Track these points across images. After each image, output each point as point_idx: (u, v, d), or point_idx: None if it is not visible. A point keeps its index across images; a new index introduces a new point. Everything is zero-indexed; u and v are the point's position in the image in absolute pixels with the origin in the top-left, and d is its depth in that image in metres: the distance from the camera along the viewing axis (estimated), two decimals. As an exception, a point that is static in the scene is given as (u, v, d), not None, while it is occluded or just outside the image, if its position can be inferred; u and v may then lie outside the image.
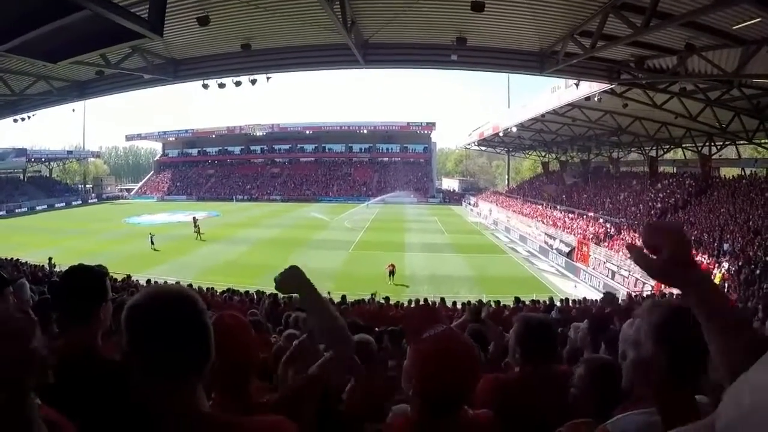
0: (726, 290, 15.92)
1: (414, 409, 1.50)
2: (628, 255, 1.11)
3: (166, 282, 15.82)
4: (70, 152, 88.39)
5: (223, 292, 14.98)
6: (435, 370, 1.36)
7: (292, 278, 1.73)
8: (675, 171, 34.47)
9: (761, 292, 14.42)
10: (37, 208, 62.94)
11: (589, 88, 18.85)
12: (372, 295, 15.13)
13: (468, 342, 1.52)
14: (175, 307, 1.17)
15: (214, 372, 1.26)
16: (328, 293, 15.66)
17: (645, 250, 1.02)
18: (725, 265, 17.95)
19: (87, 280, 1.90)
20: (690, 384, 1.25)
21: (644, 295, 16.94)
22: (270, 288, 15.84)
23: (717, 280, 16.94)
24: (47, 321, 2.64)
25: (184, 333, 1.15)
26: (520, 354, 2.12)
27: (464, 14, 11.26)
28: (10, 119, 20.90)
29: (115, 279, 16.44)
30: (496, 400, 1.91)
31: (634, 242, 23.63)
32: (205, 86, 16.12)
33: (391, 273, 21.97)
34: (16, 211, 58.90)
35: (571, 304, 14.16)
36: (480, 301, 13.37)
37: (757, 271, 16.18)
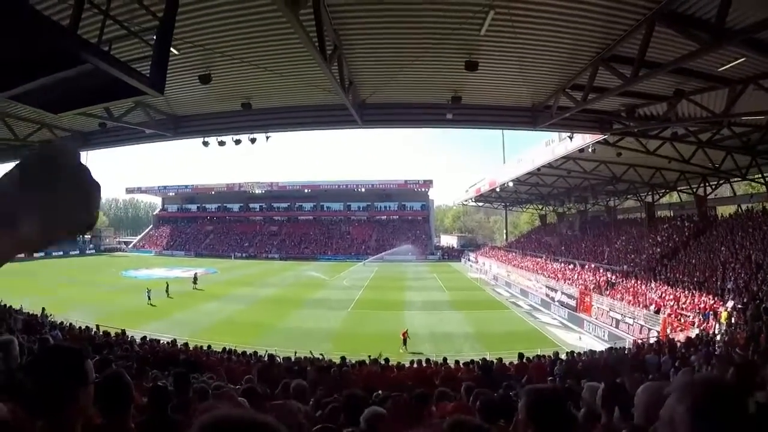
0: (734, 327, 15.58)
1: None
2: None
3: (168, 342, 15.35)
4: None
5: (218, 352, 14.55)
6: None
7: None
8: (672, 214, 34.68)
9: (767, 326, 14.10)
10: (35, 255, 62.72)
11: (583, 139, 19.16)
12: (376, 356, 14.76)
13: None
14: None
15: None
16: (321, 355, 15.33)
17: None
18: (730, 303, 17.67)
19: (64, 364, 1.73)
20: None
21: (650, 342, 16.56)
22: (266, 348, 15.48)
23: (723, 319, 16.63)
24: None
25: None
26: (532, 428, 1.96)
27: (458, 74, 11.56)
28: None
29: (108, 333, 16.12)
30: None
31: (637, 290, 23.37)
32: (206, 144, 16.33)
33: (405, 341, 20.77)
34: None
35: (576, 357, 13.87)
36: (484, 360, 13.07)
37: (764, 305, 15.88)
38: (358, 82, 12.66)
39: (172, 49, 8.74)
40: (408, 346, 20.54)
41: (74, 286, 37.03)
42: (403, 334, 21.10)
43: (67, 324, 17.30)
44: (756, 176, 23.89)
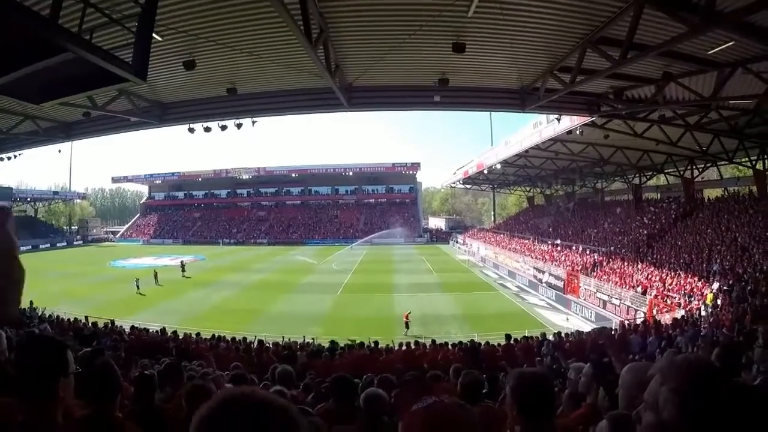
0: (719, 309, 15.90)
1: None
2: None
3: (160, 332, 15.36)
4: (56, 193, 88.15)
5: (207, 339, 14.57)
6: None
7: None
8: (659, 196, 35.06)
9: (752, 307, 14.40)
10: (22, 248, 61.99)
11: (570, 121, 19.16)
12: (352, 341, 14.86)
13: (459, 412, 1.41)
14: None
15: None
16: (312, 339, 15.62)
17: None
18: (716, 284, 18.00)
19: (45, 354, 1.74)
20: None
21: (637, 323, 16.84)
22: (255, 333, 15.53)
23: (709, 300, 16.93)
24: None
25: None
26: (518, 411, 2.02)
27: (446, 56, 11.41)
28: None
29: (95, 323, 16.07)
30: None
31: (624, 271, 23.74)
32: (191, 130, 16.10)
33: (407, 324, 20.63)
34: (0, 250, 58.29)
35: (563, 337, 14.10)
36: (472, 341, 13.24)
37: (748, 287, 16.21)
38: (345, 65, 12.48)
39: (154, 35, 8.58)
40: (410, 330, 20.39)
41: (63, 279, 36.72)
42: (406, 317, 21.06)
43: (56, 317, 17.16)
44: (743, 159, 24.11)
